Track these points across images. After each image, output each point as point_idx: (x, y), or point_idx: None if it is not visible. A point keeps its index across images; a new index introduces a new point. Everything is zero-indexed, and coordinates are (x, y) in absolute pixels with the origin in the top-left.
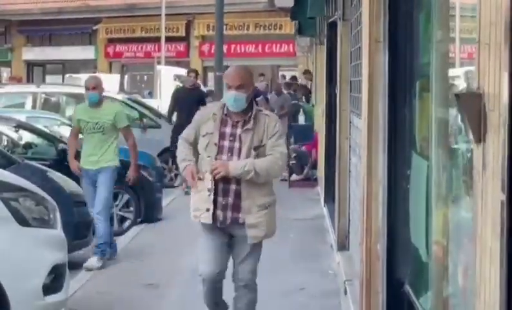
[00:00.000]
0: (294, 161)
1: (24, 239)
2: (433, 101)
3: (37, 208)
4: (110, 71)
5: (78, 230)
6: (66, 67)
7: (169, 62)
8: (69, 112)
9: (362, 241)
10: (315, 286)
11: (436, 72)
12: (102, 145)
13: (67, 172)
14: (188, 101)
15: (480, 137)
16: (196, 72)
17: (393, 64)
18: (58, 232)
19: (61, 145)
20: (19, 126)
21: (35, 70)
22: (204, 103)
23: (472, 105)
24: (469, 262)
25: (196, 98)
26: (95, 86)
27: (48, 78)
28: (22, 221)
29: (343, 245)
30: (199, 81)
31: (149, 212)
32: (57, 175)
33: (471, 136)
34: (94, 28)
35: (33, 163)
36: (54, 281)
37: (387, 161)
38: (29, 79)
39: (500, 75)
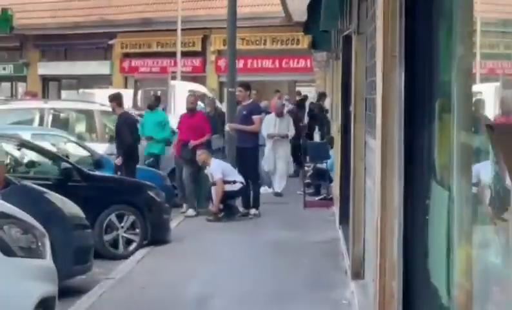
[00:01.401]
0: (309, 180)
1: (9, 271)
2: (455, 123)
3: (24, 236)
4: (126, 86)
5: (78, 254)
6: (81, 82)
7: (185, 77)
8: (78, 128)
9: (375, 276)
10: None
11: (458, 92)
12: None
13: (68, 192)
14: None
15: None
16: None
17: (409, 81)
18: (47, 261)
19: (64, 164)
20: (22, 144)
21: (50, 85)
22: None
23: (510, 140)
24: None
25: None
26: None
27: (64, 93)
28: (7, 250)
29: (357, 273)
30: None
31: (156, 234)
32: (55, 197)
33: (507, 179)
34: (109, 42)
35: (32, 184)
36: None
37: (403, 189)
38: (45, 94)
39: None
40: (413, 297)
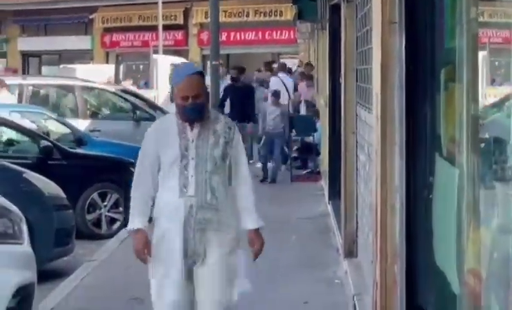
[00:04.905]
0: (296, 154)
1: None
2: (464, 93)
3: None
4: (107, 61)
5: (59, 236)
6: (62, 57)
7: (168, 51)
8: (59, 104)
9: (375, 259)
10: (320, 299)
11: (468, 58)
12: None
13: (49, 171)
14: None
15: None
16: None
17: (410, 49)
18: (24, 247)
19: (44, 142)
20: (0, 122)
21: (30, 61)
22: None
23: None
24: None
25: None
26: None
27: (44, 69)
28: None
29: (350, 252)
30: None
31: None
32: (35, 177)
33: None
34: (90, 17)
35: (9, 163)
36: (20, 304)
37: (405, 166)
38: (25, 71)
39: None
40: (417, 282)
